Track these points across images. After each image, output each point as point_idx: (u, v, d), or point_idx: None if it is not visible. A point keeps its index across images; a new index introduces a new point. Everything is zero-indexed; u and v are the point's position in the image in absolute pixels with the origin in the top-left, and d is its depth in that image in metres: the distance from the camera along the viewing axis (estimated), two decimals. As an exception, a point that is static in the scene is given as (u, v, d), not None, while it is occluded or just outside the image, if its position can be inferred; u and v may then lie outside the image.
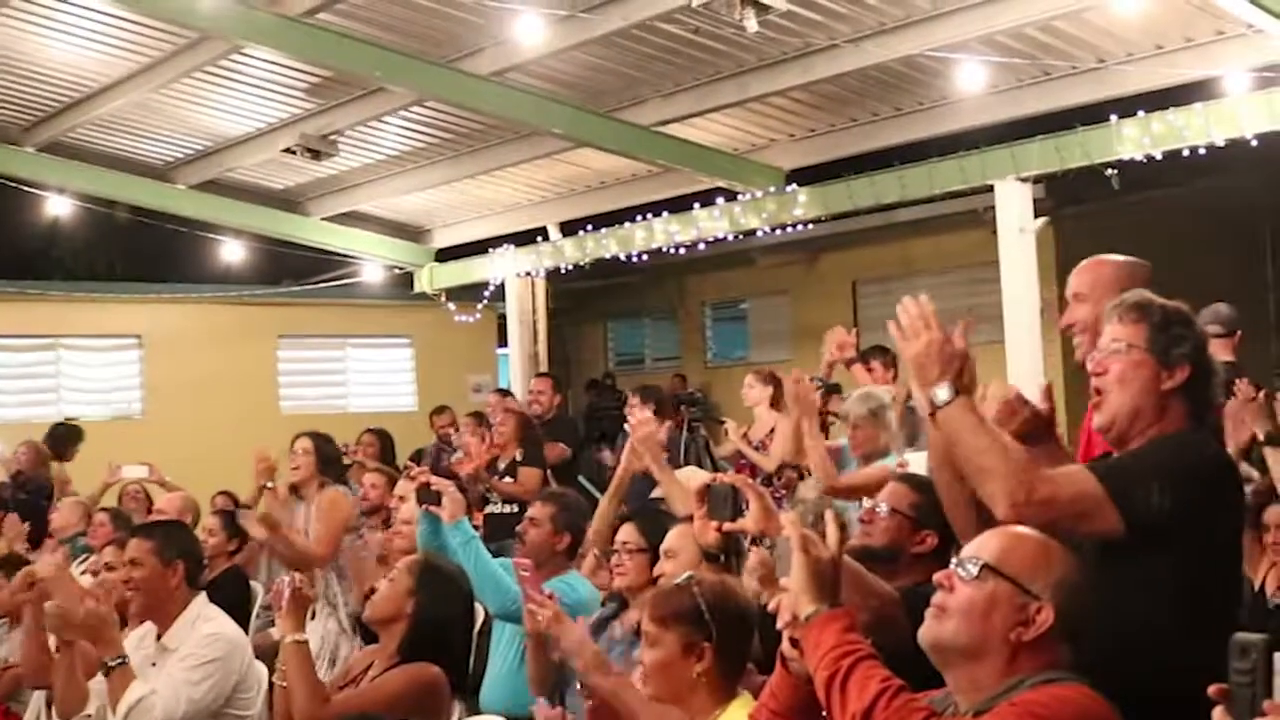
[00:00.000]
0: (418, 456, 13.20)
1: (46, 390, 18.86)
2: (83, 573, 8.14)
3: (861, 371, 10.21)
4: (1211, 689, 2.55)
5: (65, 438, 13.97)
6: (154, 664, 6.00)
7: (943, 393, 3.69)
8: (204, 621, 6.11)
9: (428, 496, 6.84)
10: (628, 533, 5.95)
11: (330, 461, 9.23)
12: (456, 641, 5.93)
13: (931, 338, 3.73)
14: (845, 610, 3.37)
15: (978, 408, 3.76)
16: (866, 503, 4.87)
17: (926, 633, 3.32)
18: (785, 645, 3.47)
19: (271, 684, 6.02)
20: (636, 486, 7.90)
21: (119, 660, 5.64)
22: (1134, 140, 11.66)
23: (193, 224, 17.69)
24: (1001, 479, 3.58)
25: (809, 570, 3.39)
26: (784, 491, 8.66)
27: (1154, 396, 3.79)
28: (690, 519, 4.75)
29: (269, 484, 8.54)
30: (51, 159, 16.25)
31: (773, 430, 10.78)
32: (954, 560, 3.39)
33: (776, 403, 10.83)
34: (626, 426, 7.66)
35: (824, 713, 3.30)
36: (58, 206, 16.85)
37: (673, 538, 5.36)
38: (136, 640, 6.33)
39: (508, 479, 10.78)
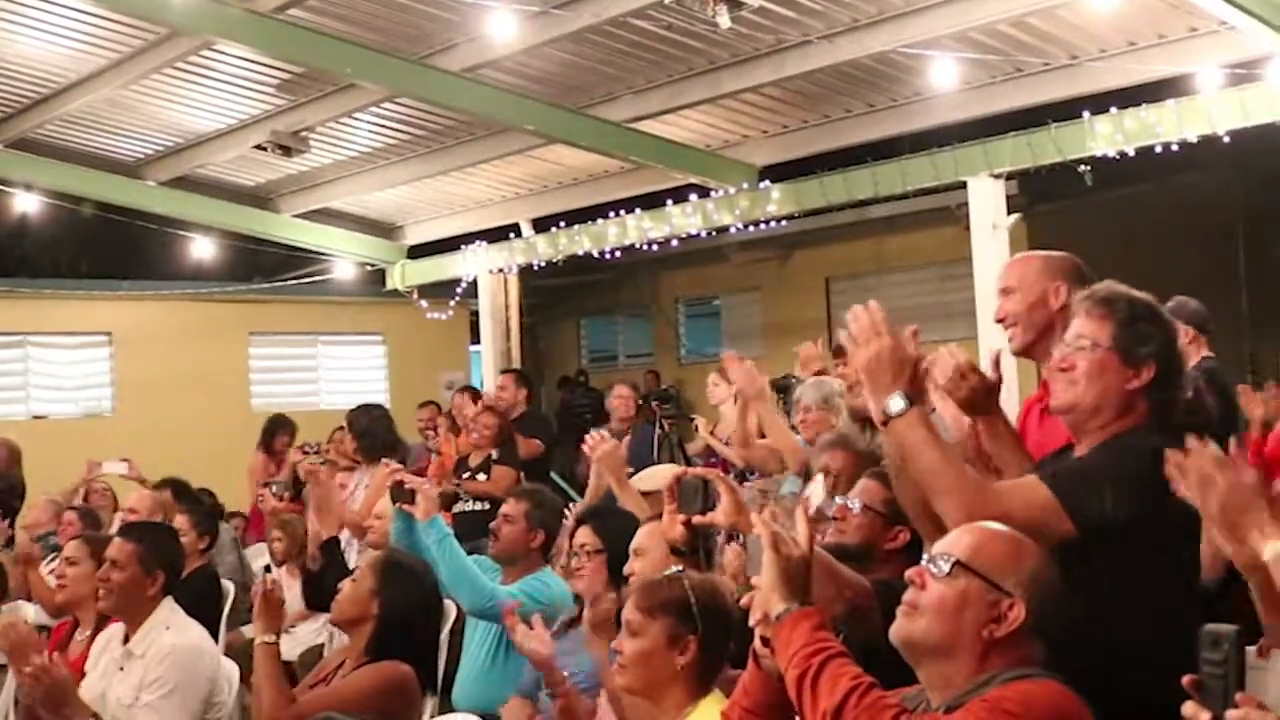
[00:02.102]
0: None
1: (15, 388, 18.81)
2: (50, 572, 8.13)
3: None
4: (1185, 679, 2.57)
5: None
6: (121, 668, 5.98)
7: (895, 404, 3.66)
8: (169, 630, 6.06)
9: (401, 494, 6.84)
10: (585, 535, 5.92)
11: (364, 435, 9.65)
12: (425, 640, 5.92)
13: (882, 344, 3.70)
14: (816, 609, 3.37)
15: (929, 420, 3.73)
16: (839, 500, 4.85)
17: (898, 630, 3.32)
18: (757, 643, 3.47)
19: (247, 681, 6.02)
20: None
21: None
22: (1107, 136, 11.68)
23: (163, 221, 17.64)
24: (953, 496, 3.60)
25: (779, 568, 3.39)
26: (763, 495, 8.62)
27: (1117, 395, 3.78)
28: (658, 517, 4.75)
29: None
30: (20, 155, 16.16)
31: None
32: (925, 557, 3.39)
33: None
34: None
35: (796, 712, 3.31)
36: (26, 203, 16.77)
37: (642, 536, 5.35)
38: (103, 643, 6.32)
39: (480, 476, 10.76)
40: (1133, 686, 3.36)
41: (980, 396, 4.26)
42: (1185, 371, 3.93)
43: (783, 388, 9.84)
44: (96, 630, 6.58)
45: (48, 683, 5.49)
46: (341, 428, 11.08)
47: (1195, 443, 3.13)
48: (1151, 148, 11.59)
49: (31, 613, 8.16)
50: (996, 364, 4.40)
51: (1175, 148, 11.53)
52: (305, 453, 8.91)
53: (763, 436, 8.51)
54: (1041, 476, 3.76)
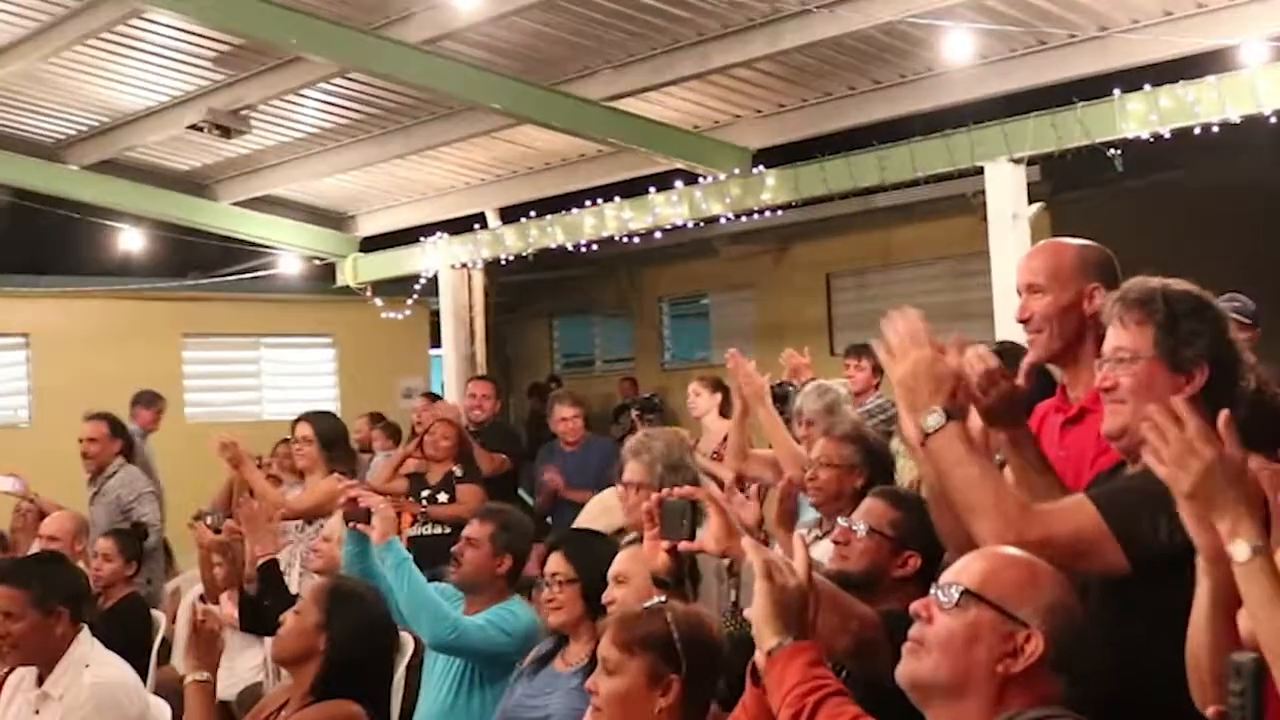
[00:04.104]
0: None
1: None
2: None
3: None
4: (1210, 710, 2.60)
5: None
6: (36, 711, 5.98)
7: (932, 420, 3.67)
8: (87, 667, 6.06)
9: (355, 514, 6.84)
10: (556, 563, 5.93)
11: (334, 443, 9.55)
12: (377, 676, 5.93)
13: (921, 356, 3.72)
14: (812, 643, 3.38)
15: (969, 436, 3.73)
16: (842, 521, 4.86)
17: (904, 670, 3.32)
18: (758, 657, 3.47)
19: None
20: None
21: None
22: (1139, 117, 11.69)
23: (87, 209, 17.63)
24: (991, 518, 3.59)
25: (773, 599, 3.40)
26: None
27: None
28: (639, 540, 4.74)
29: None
30: (-76, 137, 16.22)
31: (725, 440, 10.77)
32: (934, 587, 3.39)
33: (726, 411, 10.79)
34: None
35: None
36: (-68, 191, 16.80)
37: (623, 561, 5.36)
38: (15, 683, 6.32)
39: (442, 496, 10.75)
40: None
41: (1006, 406, 4.14)
42: (1244, 363, 3.82)
43: (780, 396, 9.85)
44: (9, 672, 6.57)
45: None
46: (286, 440, 11.07)
47: (1184, 409, 3.10)
48: (1189, 129, 11.60)
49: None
50: (1029, 374, 4.38)
51: (1216, 129, 11.56)
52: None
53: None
54: (1089, 498, 3.73)
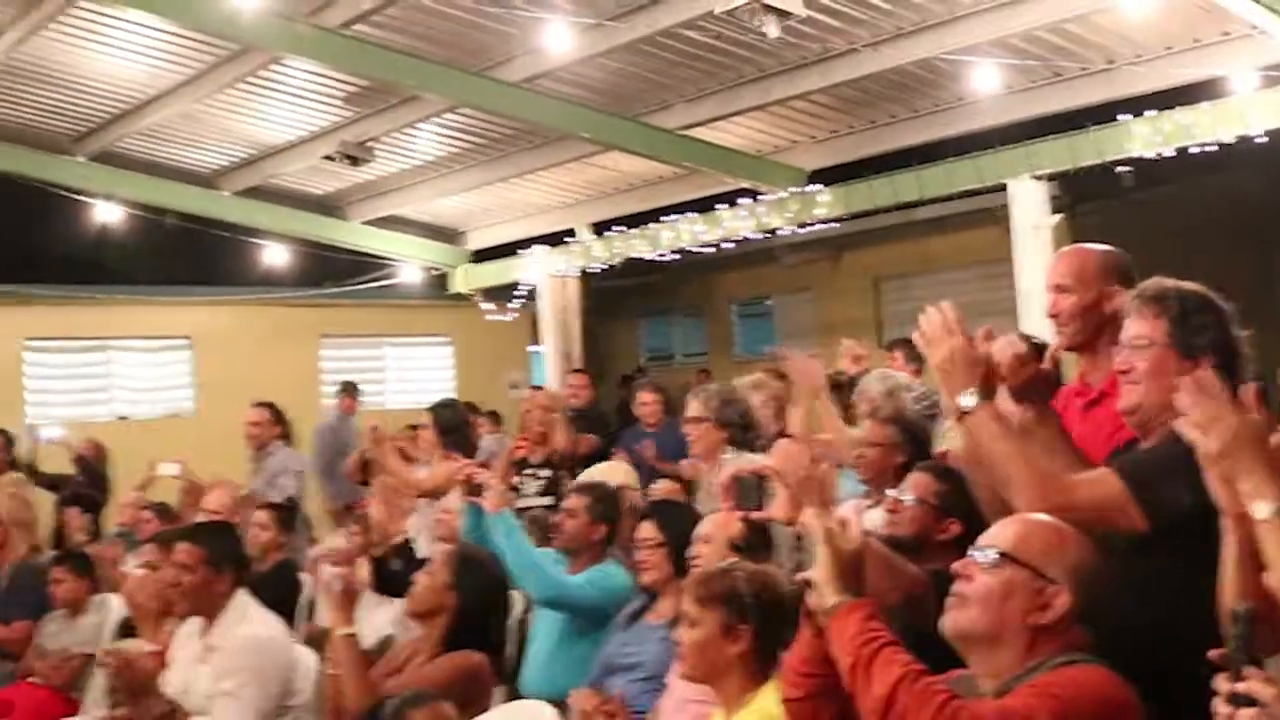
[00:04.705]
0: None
1: (98, 390, 19.00)
2: (136, 567, 8.22)
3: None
4: (1212, 653, 2.60)
5: None
6: (201, 661, 6.05)
7: (968, 400, 3.68)
8: (245, 622, 6.13)
9: (472, 488, 6.89)
10: (647, 529, 5.97)
11: (448, 430, 9.65)
12: (496, 629, 5.97)
13: (955, 344, 3.73)
14: (867, 600, 3.39)
15: (1002, 415, 3.74)
16: (891, 493, 4.87)
17: (948, 622, 3.34)
18: (810, 598, 3.48)
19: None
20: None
21: (170, 710, 5.68)
22: (1144, 138, 11.64)
23: (237, 229, 17.76)
24: (1025, 488, 3.58)
25: (832, 562, 3.41)
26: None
27: None
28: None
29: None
30: (101, 168, 16.36)
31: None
32: (973, 549, 3.40)
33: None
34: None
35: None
36: (108, 213, 16.92)
37: (709, 524, 5.38)
38: (184, 637, 6.40)
39: (543, 473, 10.77)
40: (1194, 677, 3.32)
41: (1035, 385, 4.14)
42: (1246, 356, 3.83)
43: (835, 384, 9.83)
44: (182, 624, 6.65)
45: (128, 677, 5.59)
46: (414, 425, 11.15)
47: (1212, 377, 3.07)
48: (1188, 149, 11.53)
49: (118, 606, 8.24)
50: (1055, 360, 4.37)
51: (1211, 148, 11.47)
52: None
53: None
54: (1111, 469, 3.73)
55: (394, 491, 8.67)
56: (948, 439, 6.85)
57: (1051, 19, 10.97)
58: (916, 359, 10.17)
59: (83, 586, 8.37)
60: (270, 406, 11.33)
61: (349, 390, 15.73)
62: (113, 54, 13.54)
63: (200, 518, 8.91)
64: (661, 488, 7.33)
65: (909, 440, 6.12)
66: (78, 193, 16.55)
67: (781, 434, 8.83)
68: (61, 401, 18.42)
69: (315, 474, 14.10)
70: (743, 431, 7.69)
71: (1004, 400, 4.19)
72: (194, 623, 6.37)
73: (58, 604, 8.37)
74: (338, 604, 5.74)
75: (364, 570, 8.12)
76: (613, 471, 8.58)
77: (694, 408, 7.61)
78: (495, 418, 15.74)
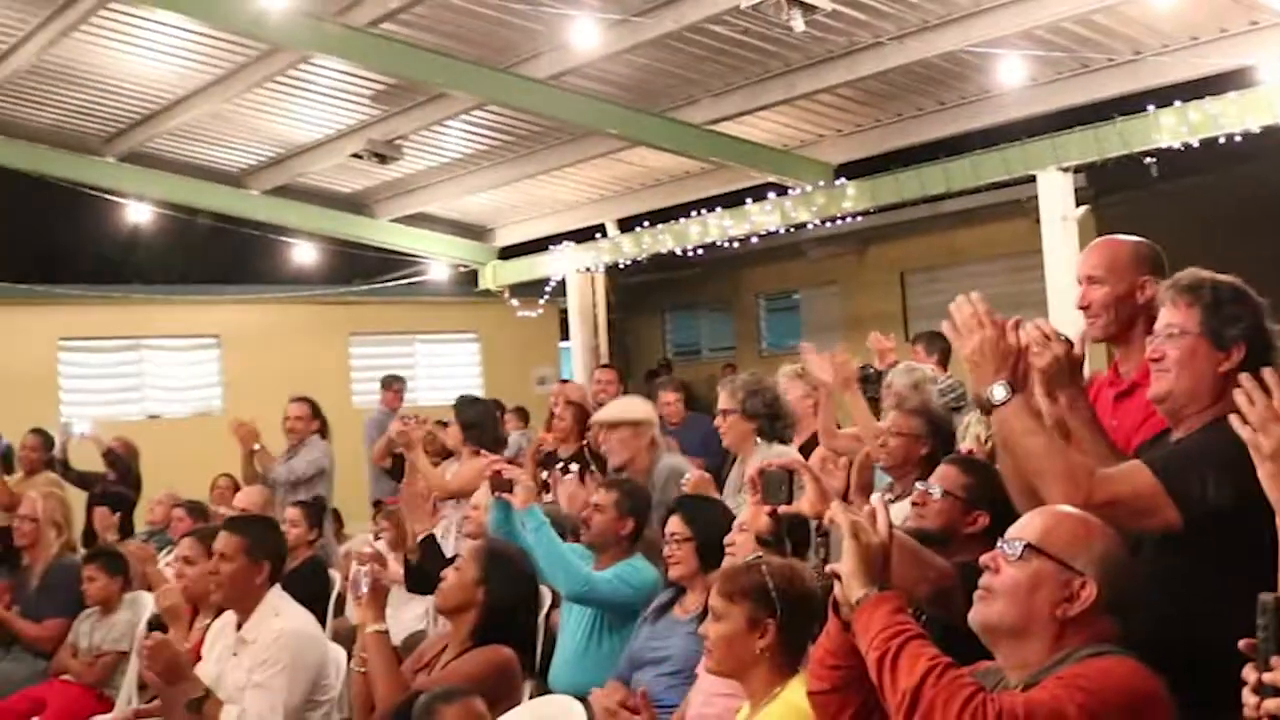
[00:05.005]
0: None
1: (130, 389, 19.08)
2: (167, 564, 8.24)
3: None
4: (1241, 643, 2.58)
5: None
6: (235, 654, 6.06)
7: (999, 392, 3.66)
8: (278, 616, 6.14)
9: (500, 484, 6.88)
10: (675, 524, 5.94)
11: (472, 426, 9.68)
12: (525, 624, 5.97)
13: (985, 335, 3.71)
14: (894, 593, 3.36)
15: (1033, 407, 3.72)
16: (919, 485, 4.84)
17: (975, 615, 3.33)
18: (837, 591, 3.46)
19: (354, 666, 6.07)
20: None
21: (203, 695, 5.69)
22: (1171, 129, 11.60)
23: (266, 227, 17.84)
24: (1057, 482, 3.56)
25: (859, 555, 3.39)
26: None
27: (1210, 379, 3.69)
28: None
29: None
30: (131, 168, 16.44)
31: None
32: (1000, 542, 3.39)
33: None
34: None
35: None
36: (138, 213, 16.99)
37: (744, 514, 5.37)
38: (218, 630, 6.41)
39: (574, 467, 10.75)
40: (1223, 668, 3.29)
41: (1064, 367, 4.08)
42: (1277, 349, 3.77)
43: (863, 378, 9.81)
44: (215, 619, 6.67)
45: (166, 657, 5.61)
46: (441, 421, 11.14)
47: (1273, 377, 3.03)
48: (1215, 139, 11.49)
49: (151, 603, 8.27)
50: (1081, 344, 4.34)
51: (1238, 138, 11.43)
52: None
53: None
54: (1144, 462, 3.70)
55: (420, 497, 8.70)
56: (969, 435, 6.85)
57: (1078, 10, 10.93)
58: (937, 351, 10.13)
59: (115, 584, 8.38)
60: (309, 401, 11.36)
61: (390, 384, 15.72)
62: (142, 55, 13.59)
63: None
64: (694, 477, 7.29)
65: (933, 432, 6.10)
66: (108, 193, 16.66)
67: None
68: (95, 401, 18.48)
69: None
70: (771, 421, 7.67)
71: (1036, 393, 4.17)
72: (227, 618, 6.38)
73: (90, 602, 8.39)
74: (368, 600, 5.75)
75: (395, 567, 8.15)
76: (631, 404, 8.61)
77: (722, 400, 7.64)
78: (522, 413, 15.73)
